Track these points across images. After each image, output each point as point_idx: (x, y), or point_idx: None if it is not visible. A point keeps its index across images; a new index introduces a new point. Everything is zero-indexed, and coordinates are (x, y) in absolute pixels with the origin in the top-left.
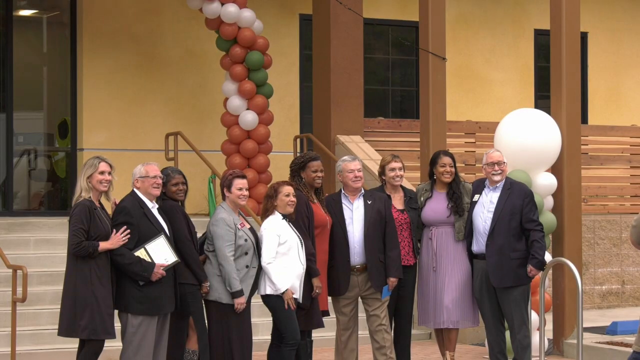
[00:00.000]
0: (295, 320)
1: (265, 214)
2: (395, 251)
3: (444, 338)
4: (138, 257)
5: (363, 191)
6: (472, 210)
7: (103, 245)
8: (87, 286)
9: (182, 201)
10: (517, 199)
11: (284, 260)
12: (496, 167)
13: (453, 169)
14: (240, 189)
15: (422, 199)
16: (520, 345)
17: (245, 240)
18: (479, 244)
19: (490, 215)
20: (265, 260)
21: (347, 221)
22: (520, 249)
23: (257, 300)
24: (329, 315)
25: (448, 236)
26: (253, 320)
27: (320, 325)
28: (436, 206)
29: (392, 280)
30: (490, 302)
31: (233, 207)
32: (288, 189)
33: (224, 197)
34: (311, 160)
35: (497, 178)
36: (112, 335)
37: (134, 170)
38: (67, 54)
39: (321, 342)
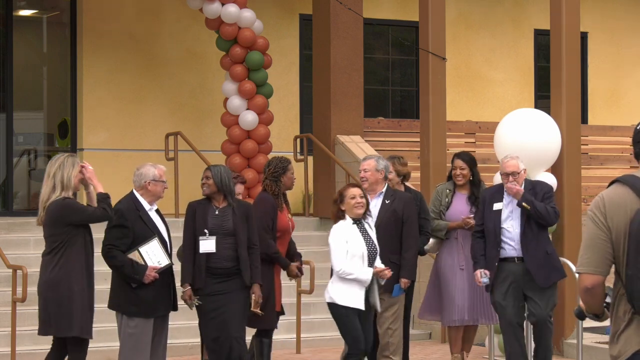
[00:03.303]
0: (357, 329)
1: (335, 219)
2: (409, 252)
3: (464, 337)
4: (130, 259)
5: (384, 190)
6: (496, 219)
7: (95, 190)
8: (80, 285)
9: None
10: (540, 196)
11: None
12: (510, 179)
13: (465, 171)
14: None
15: (446, 199)
16: (546, 348)
17: None
18: (508, 249)
19: (518, 221)
20: (337, 268)
21: None
22: (552, 244)
23: None
24: (284, 314)
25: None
26: None
27: (273, 326)
28: (460, 209)
29: (404, 282)
30: (514, 308)
31: None
32: (354, 192)
33: None
34: (289, 163)
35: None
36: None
37: (144, 171)
38: (67, 54)
39: (322, 342)
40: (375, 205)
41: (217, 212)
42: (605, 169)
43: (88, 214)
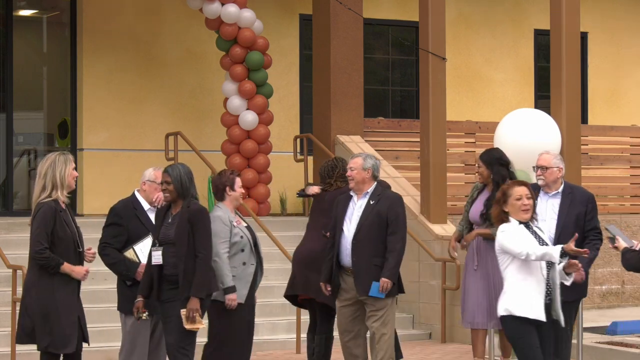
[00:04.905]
0: (536, 353)
1: (498, 222)
2: (392, 254)
3: (500, 341)
4: (123, 256)
5: (371, 190)
6: None
7: (66, 267)
8: (56, 294)
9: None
10: (581, 205)
11: (523, 271)
12: (539, 172)
13: (481, 169)
14: (241, 187)
15: (473, 195)
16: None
17: (241, 237)
18: None
19: (554, 223)
20: (518, 250)
21: (346, 220)
22: (584, 258)
23: (258, 300)
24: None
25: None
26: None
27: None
28: (477, 207)
29: (383, 281)
30: None
31: (230, 206)
32: (520, 191)
33: (220, 198)
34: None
35: (540, 183)
36: (71, 349)
37: (144, 172)
38: (67, 54)
39: None
40: (361, 206)
41: (170, 220)
42: (605, 169)
43: (32, 238)
